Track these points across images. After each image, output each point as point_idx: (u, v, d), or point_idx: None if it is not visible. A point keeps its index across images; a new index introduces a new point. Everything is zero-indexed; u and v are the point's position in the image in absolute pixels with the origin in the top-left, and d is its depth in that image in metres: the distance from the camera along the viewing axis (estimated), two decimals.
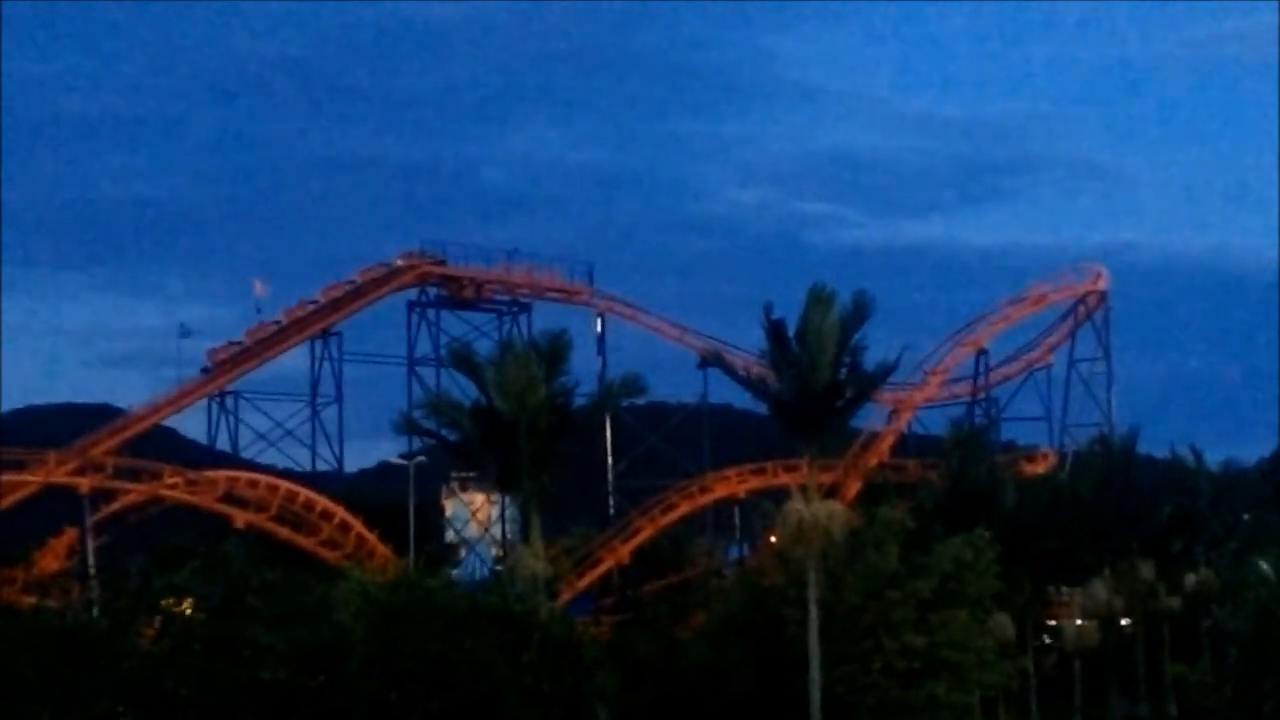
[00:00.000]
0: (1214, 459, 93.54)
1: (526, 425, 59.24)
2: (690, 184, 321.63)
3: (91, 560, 77.76)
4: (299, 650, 42.91)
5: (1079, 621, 78.79)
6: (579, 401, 65.52)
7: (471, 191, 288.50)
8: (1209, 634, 65.66)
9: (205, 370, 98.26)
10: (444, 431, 64.69)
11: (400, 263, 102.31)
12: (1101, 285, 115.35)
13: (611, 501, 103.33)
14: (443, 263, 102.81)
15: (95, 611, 44.97)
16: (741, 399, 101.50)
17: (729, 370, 70.39)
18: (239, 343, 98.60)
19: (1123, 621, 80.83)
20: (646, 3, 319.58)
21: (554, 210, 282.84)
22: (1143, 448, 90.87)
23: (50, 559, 74.25)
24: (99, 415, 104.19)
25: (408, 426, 68.23)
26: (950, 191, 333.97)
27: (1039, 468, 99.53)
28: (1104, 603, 78.90)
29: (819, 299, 58.88)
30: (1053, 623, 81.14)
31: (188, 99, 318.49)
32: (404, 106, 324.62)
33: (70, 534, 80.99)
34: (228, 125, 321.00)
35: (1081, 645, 76.92)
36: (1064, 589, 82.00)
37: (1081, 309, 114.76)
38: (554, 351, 60.56)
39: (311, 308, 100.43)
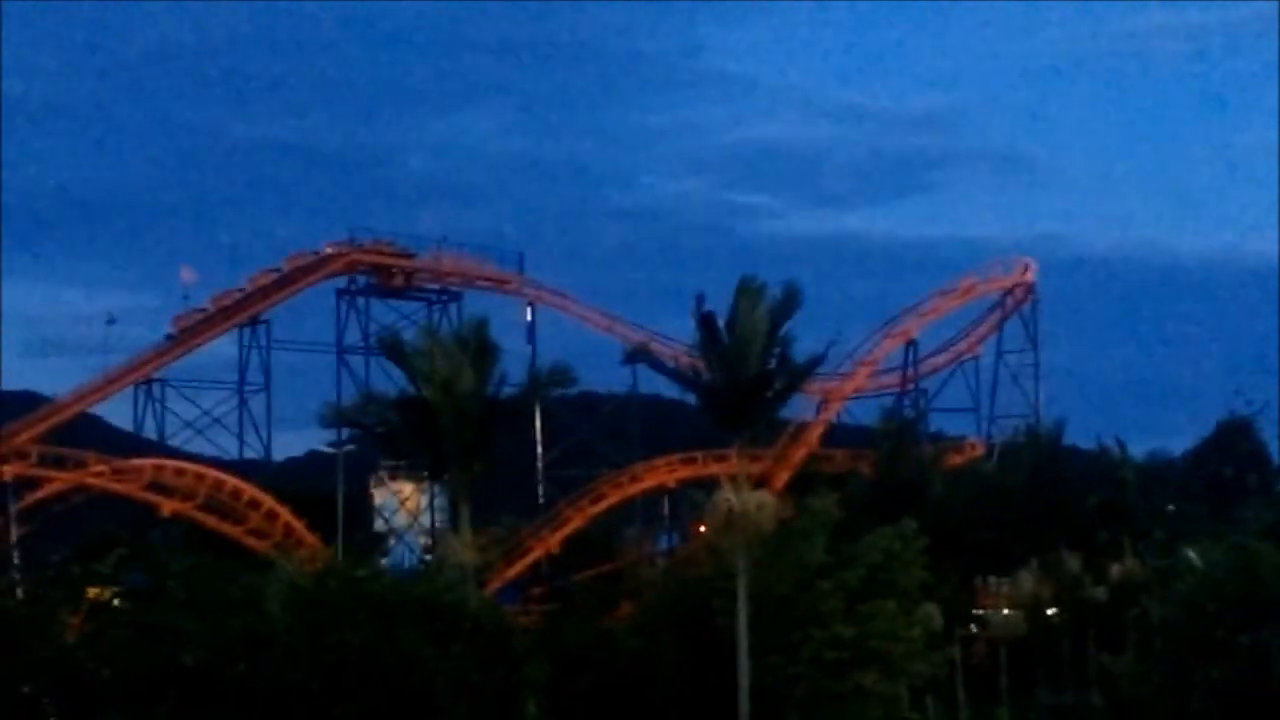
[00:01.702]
0: (1140, 451, 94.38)
1: (454, 414, 59.00)
2: (620, 174, 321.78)
3: (15, 549, 77.09)
4: (224, 639, 42.63)
5: (1006, 611, 79.22)
6: (508, 391, 65.34)
7: (399, 179, 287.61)
8: (1135, 624, 66.07)
9: (169, 337, 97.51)
10: (372, 425, 64.50)
11: (329, 250, 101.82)
12: (1029, 277, 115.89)
13: (541, 491, 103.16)
14: (373, 249, 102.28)
15: (18, 598, 44.55)
16: (671, 389, 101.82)
17: (655, 364, 70.40)
18: (203, 309, 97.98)
19: (1049, 612, 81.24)
20: None
21: (482, 199, 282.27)
22: (1069, 439, 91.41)
23: None
24: (23, 402, 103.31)
25: (336, 419, 67.94)
26: (880, 183, 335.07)
27: (967, 458, 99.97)
28: (1031, 593, 79.36)
29: (748, 290, 58.91)
30: (980, 613, 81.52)
31: (112, 84, 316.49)
32: (329, 93, 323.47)
33: None
34: (152, 111, 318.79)
35: (1008, 635, 77.34)
36: (992, 579, 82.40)
37: (1010, 301, 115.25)
38: (481, 340, 60.35)
39: (240, 295, 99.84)
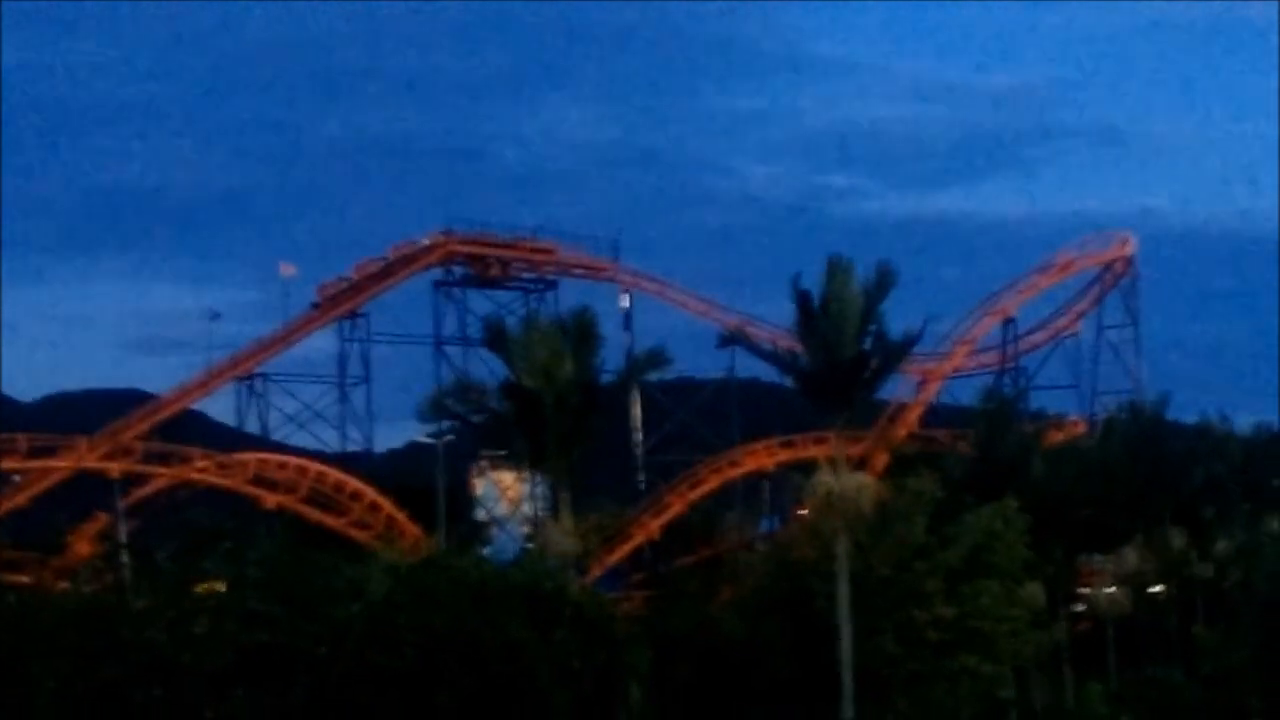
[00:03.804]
0: (1246, 424, 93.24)
1: (554, 402, 59.34)
2: (712, 159, 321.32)
3: (123, 545, 77.99)
4: (325, 627, 43.08)
5: (1111, 589, 78.63)
6: (606, 378, 65.52)
7: (494, 171, 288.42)
8: (1233, 596, 65.57)
9: (315, 305, 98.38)
10: (470, 415, 64.86)
11: (426, 242, 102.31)
12: (1128, 251, 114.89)
13: (641, 477, 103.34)
14: (469, 240, 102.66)
15: (127, 595, 45.19)
16: (769, 373, 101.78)
17: (751, 346, 70.38)
18: (347, 278, 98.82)
19: (1155, 588, 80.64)
20: None
21: (576, 188, 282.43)
22: (1173, 414, 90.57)
23: (82, 544, 74.44)
24: (128, 400, 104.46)
25: (435, 410, 68.29)
26: (974, 161, 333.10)
27: (1068, 436, 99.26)
28: (1135, 570, 78.77)
29: (838, 270, 58.90)
30: (1085, 591, 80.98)
31: (210, 84, 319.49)
32: (423, 87, 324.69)
33: (101, 519, 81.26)
34: (249, 110, 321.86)
35: (1114, 613, 76.80)
36: (1096, 557, 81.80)
37: (1109, 276, 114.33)
38: (580, 328, 60.62)
39: (338, 288, 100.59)
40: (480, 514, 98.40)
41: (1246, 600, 61.87)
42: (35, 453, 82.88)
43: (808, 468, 74.59)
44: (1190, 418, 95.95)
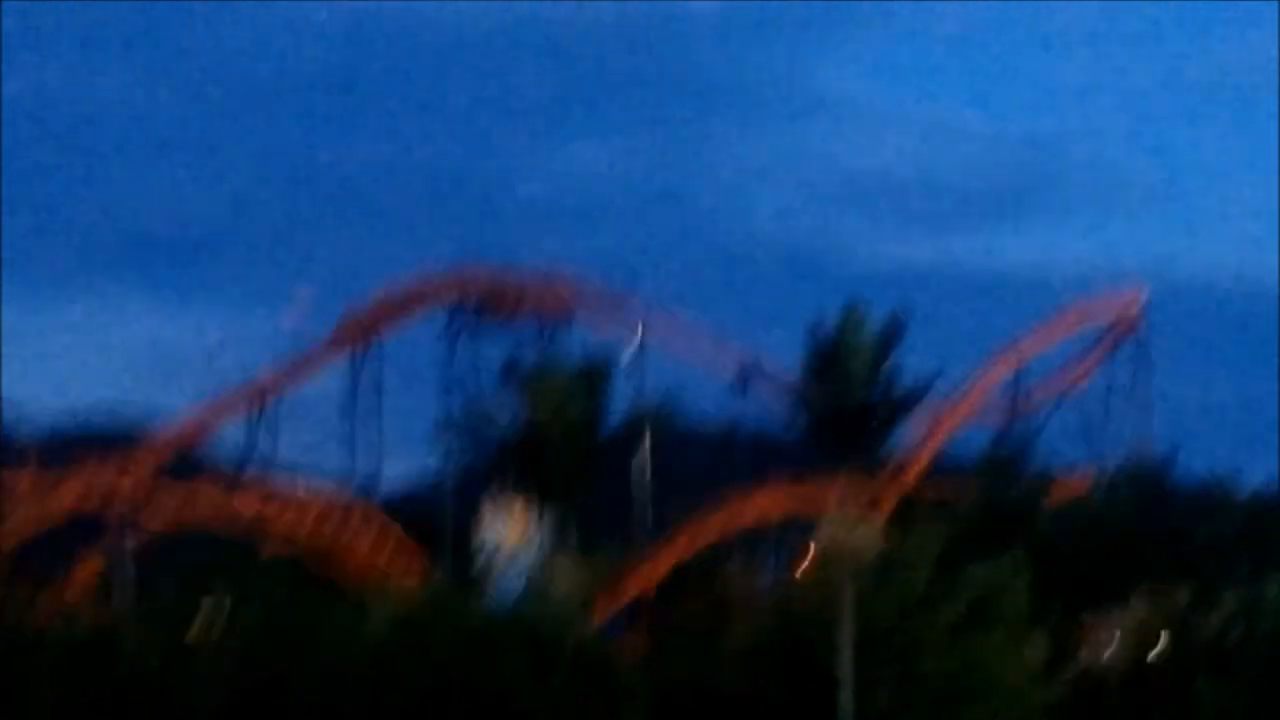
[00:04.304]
0: (1255, 480, 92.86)
1: (562, 441, 59.53)
2: (728, 200, 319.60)
3: (124, 581, 77.89)
4: (327, 672, 43.06)
5: (1114, 644, 78.41)
6: (616, 419, 65.84)
7: (508, 206, 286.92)
8: (1235, 653, 65.51)
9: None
10: (482, 443, 64.93)
11: (441, 276, 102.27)
12: (1140, 303, 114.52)
13: (646, 522, 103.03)
14: (484, 274, 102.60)
15: (124, 632, 45.18)
16: (777, 421, 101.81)
17: (764, 386, 70.45)
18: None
19: (1157, 644, 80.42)
20: (685, 18, 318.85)
21: (592, 225, 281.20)
22: (1180, 469, 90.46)
23: (85, 578, 74.39)
24: (132, 431, 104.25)
25: (446, 441, 68.43)
26: (987, 208, 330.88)
27: (1074, 489, 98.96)
28: (1139, 625, 78.52)
29: (851, 318, 59.19)
30: (1087, 645, 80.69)
31: (222, 111, 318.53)
32: (440, 121, 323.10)
33: (103, 554, 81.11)
34: (265, 137, 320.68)
35: (1116, 667, 76.56)
36: (1099, 612, 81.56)
37: (1120, 327, 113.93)
38: (592, 370, 61.04)
39: (350, 321, 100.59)
40: (484, 552, 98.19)
41: (1246, 657, 61.73)
42: (41, 486, 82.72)
43: (813, 515, 74.69)
44: (1199, 472, 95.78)
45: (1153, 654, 78.46)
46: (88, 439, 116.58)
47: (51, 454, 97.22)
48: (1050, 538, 72.14)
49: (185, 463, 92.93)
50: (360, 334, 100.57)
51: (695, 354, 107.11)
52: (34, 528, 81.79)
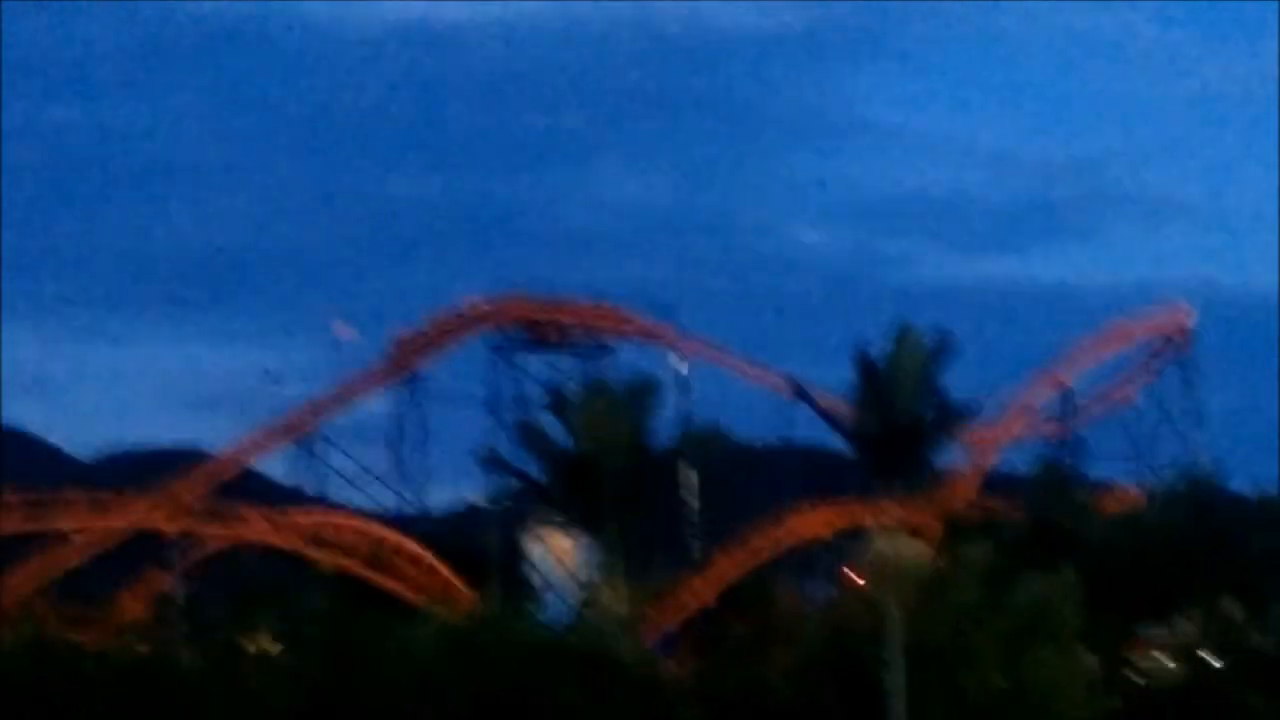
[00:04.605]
0: None
1: (610, 467, 59.57)
2: (768, 223, 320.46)
3: (176, 604, 78.28)
4: (381, 690, 43.19)
5: (1167, 660, 78.06)
6: (663, 440, 65.83)
7: (549, 234, 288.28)
8: None
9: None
10: (530, 467, 65.01)
11: (482, 304, 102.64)
12: (1187, 321, 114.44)
13: (695, 543, 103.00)
14: (526, 303, 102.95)
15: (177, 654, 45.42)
16: (825, 440, 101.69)
17: (815, 404, 70.38)
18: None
19: (1211, 659, 80.00)
20: (721, 43, 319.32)
21: (630, 252, 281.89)
22: (1234, 485, 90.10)
23: (135, 603, 74.80)
24: (185, 458, 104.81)
25: (493, 468, 68.58)
26: (1030, 230, 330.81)
27: (1124, 505, 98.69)
28: (1192, 640, 78.16)
29: (905, 338, 59.15)
30: (1140, 662, 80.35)
31: (263, 144, 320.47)
32: (480, 150, 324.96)
33: (156, 577, 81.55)
34: (308, 169, 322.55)
35: (1169, 683, 76.18)
36: (1151, 628, 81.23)
37: (1167, 345, 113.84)
38: (638, 393, 61.20)
39: (395, 349, 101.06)
40: (533, 578, 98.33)
41: None
42: (93, 509, 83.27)
43: (863, 534, 74.56)
44: (1246, 488, 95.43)
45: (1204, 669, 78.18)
46: (140, 463, 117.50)
47: (105, 477, 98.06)
48: (1101, 552, 71.86)
49: (235, 488, 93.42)
50: (405, 362, 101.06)
51: (740, 376, 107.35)
52: (89, 549, 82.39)
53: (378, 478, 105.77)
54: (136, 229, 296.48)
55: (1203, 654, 78.64)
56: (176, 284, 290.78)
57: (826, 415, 66.97)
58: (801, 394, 74.73)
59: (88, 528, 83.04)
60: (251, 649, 45.24)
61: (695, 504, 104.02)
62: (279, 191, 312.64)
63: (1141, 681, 79.45)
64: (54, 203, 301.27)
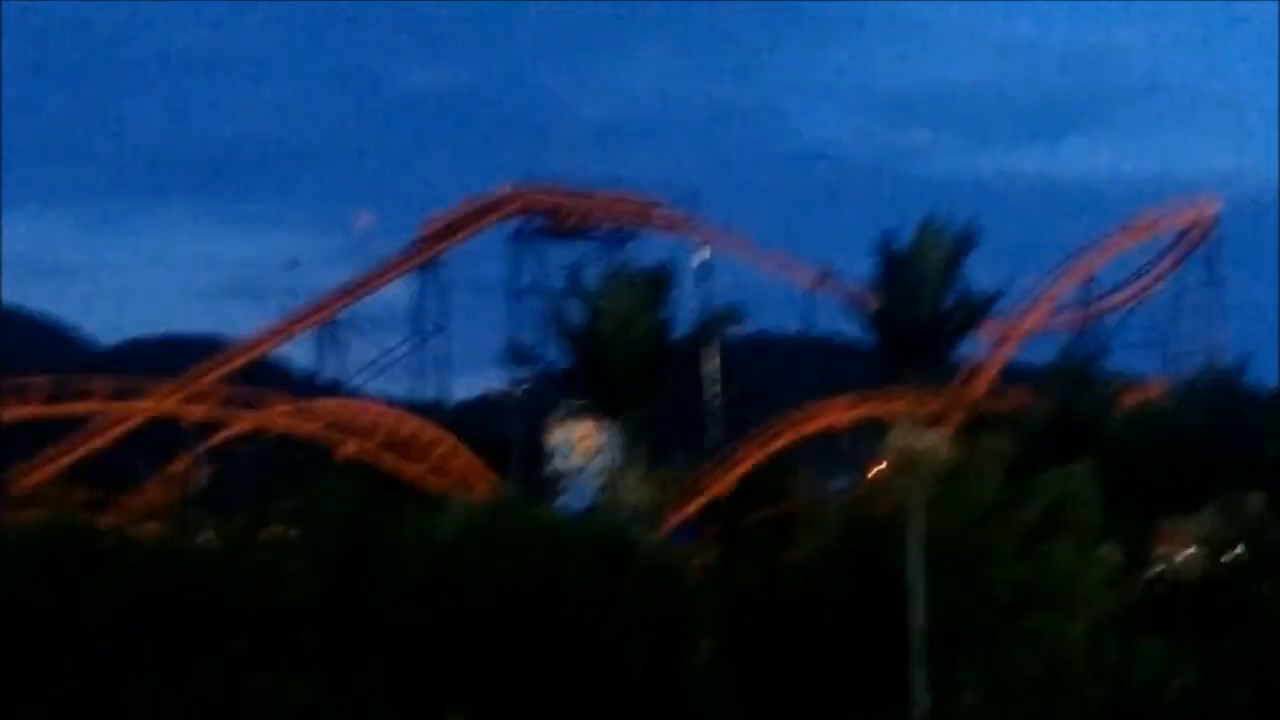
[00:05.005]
0: None
1: (629, 352, 59.45)
2: (793, 114, 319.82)
3: (198, 490, 78.61)
4: (399, 574, 43.34)
5: (1187, 551, 78.07)
6: (682, 331, 65.57)
7: (571, 123, 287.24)
8: None
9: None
10: (551, 353, 64.95)
11: (505, 192, 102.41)
12: (1213, 212, 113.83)
13: (716, 432, 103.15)
14: (548, 191, 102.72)
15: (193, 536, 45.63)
16: (847, 331, 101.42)
17: (834, 294, 70.08)
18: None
19: (1234, 552, 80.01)
20: None
21: (653, 143, 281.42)
22: (1253, 377, 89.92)
23: (156, 489, 75.11)
24: (207, 346, 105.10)
25: (516, 355, 68.54)
26: (1051, 121, 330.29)
27: (1147, 397, 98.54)
28: (1213, 534, 78.12)
29: (928, 228, 58.78)
30: (1161, 553, 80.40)
31: (285, 34, 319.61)
32: (501, 39, 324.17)
33: (179, 464, 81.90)
34: (323, 59, 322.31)
35: (1189, 576, 76.24)
36: (1172, 520, 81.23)
37: (1192, 236, 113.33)
38: (659, 280, 60.98)
39: (417, 237, 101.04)
40: (554, 465, 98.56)
41: None
42: (116, 396, 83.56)
43: (883, 425, 74.37)
44: (1270, 380, 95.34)
45: (1225, 559, 78.23)
46: (161, 351, 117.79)
47: (125, 365, 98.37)
48: (1122, 445, 71.78)
49: (256, 376, 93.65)
50: (428, 248, 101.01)
51: (763, 265, 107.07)
52: (112, 433, 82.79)
53: (400, 365, 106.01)
54: (159, 118, 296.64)
55: (1223, 546, 78.69)
56: (198, 173, 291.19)
57: (851, 303, 66.83)
58: (826, 281, 74.28)
59: (109, 414, 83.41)
60: (270, 534, 45.34)
61: (717, 391, 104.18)
62: (301, 81, 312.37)
63: (1162, 573, 79.62)
64: (77, 93, 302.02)
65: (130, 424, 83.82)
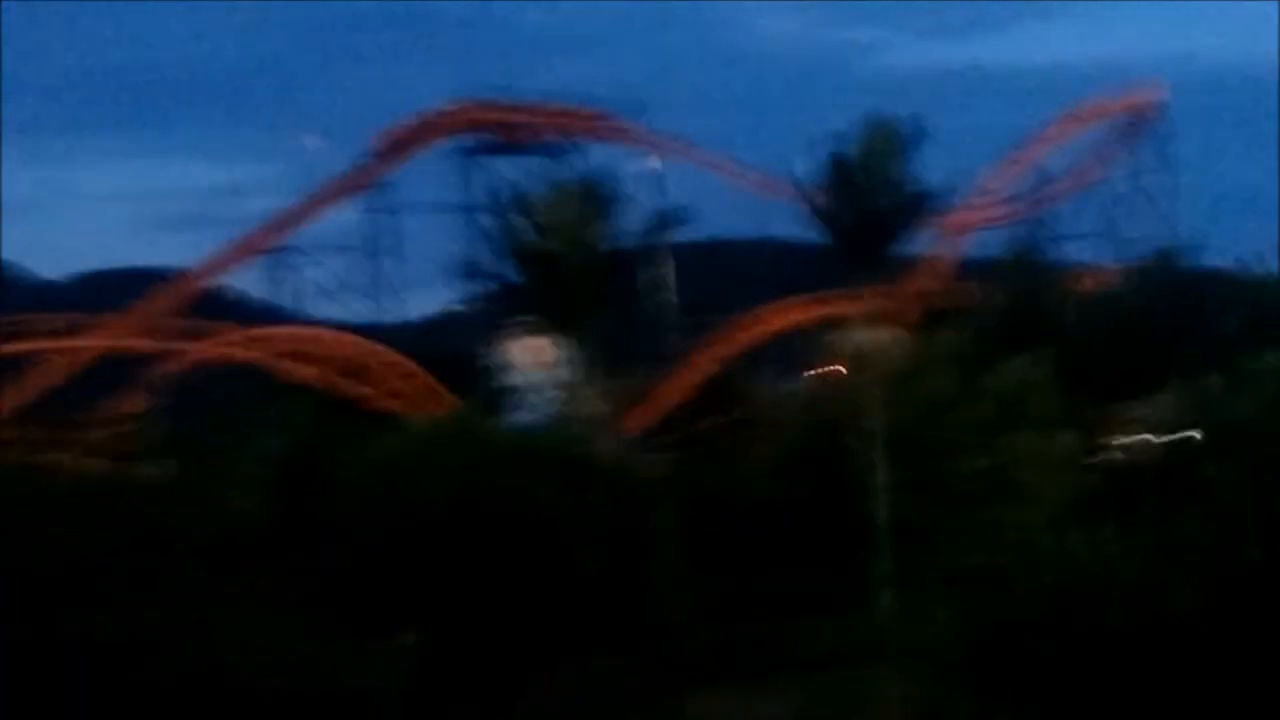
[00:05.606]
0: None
1: (581, 264, 59.17)
2: (732, 15, 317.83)
3: (151, 422, 78.10)
4: (355, 498, 43.16)
5: (1145, 437, 78.24)
6: (633, 241, 65.24)
7: (514, 35, 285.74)
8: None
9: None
10: (503, 270, 64.66)
11: (449, 108, 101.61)
12: (1161, 97, 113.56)
13: (670, 339, 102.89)
14: (494, 105, 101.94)
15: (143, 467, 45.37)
16: (800, 233, 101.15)
17: (784, 195, 69.89)
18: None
19: (1191, 434, 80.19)
20: None
21: (595, 50, 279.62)
22: (1207, 261, 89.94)
23: (109, 423, 74.55)
24: (156, 277, 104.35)
25: (462, 270, 68.14)
26: (996, 9, 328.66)
27: (1099, 283, 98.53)
28: (1171, 417, 78.25)
29: (875, 125, 58.53)
30: (1119, 440, 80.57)
31: None
32: None
33: (130, 397, 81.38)
34: None
35: (1147, 460, 76.42)
36: (1129, 405, 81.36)
37: (1141, 122, 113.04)
38: (605, 190, 60.61)
39: (363, 158, 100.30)
40: (510, 380, 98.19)
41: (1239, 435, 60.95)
42: (67, 331, 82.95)
43: (839, 325, 74.36)
44: (1226, 264, 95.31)
45: (1180, 439, 78.44)
46: (111, 284, 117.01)
47: (74, 299, 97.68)
48: (1077, 333, 71.70)
49: (208, 306, 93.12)
50: (375, 169, 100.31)
51: (710, 171, 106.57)
52: (62, 370, 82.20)
53: (351, 289, 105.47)
54: (95, 49, 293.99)
55: (1179, 430, 78.83)
56: (133, 102, 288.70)
57: (803, 204, 66.65)
58: (768, 190, 74.08)
59: (62, 350, 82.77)
60: (221, 463, 45.07)
61: (671, 298, 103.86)
62: (236, 5, 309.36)
63: (1121, 458, 79.77)
64: (12, 24, 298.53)
65: (81, 359, 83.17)
